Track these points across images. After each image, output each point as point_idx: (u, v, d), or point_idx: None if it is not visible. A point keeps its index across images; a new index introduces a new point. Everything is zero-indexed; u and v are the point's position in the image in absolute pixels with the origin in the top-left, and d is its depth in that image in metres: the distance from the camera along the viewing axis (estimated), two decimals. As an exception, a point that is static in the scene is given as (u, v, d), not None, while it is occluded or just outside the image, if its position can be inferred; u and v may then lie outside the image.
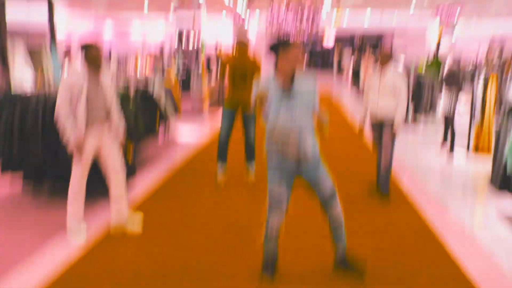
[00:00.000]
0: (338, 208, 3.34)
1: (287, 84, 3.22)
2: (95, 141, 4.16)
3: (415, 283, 3.34)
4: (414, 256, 3.75)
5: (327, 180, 3.30)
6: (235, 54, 5.77)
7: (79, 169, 4.13)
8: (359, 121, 5.52)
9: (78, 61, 9.30)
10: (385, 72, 5.10)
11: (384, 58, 5.08)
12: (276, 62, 3.23)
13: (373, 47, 20.65)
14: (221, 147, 5.98)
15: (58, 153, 4.86)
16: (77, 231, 4.19)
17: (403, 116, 5.07)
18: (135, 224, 4.41)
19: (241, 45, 5.69)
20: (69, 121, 3.99)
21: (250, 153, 6.07)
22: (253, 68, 5.75)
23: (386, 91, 5.05)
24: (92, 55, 4.05)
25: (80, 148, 4.03)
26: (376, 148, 5.35)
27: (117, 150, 4.32)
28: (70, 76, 4.03)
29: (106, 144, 4.24)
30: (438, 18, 20.08)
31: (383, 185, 5.20)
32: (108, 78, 4.27)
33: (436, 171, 6.44)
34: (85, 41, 4.12)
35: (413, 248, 3.90)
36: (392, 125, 5.10)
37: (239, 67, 5.70)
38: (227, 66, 5.78)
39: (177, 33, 14.66)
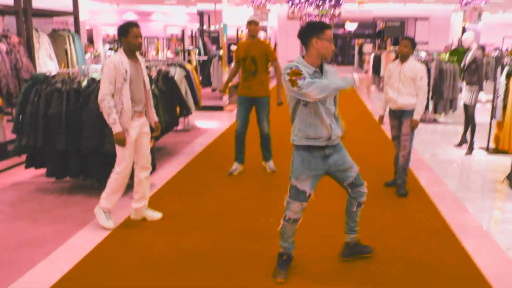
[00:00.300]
0: (365, 188, 3.49)
1: (317, 67, 3.19)
2: (135, 131, 4.12)
3: (428, 281, 3.37)
4: (429, 253, 3.77)
5: (351, 161, 3.38)
6: (246, 38, 5.80)
7: (126, 157, 4.10)
8: (379, 110, 5.50)
9: (104, 47, 9.37)
10: (406, 61, 5.06)
11: (405, 47, 5.04)
12: (308, 46, 3.19)
13: (394, 35, 20.34)
14: (238, 140, 5.84)
15: (81, 144, 4.92)
16: (109, 217, 4.25)
17: (424, 107, 5.06)
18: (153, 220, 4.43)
19: (252, 25, 5.55)
20: (115, 111, 3.93)
21: (265, 145, 5.93)
22: (265, 52, 5.65)
23: (407, 81, 5.02)
24: (133, 34, 3.97)
25: (125, 134, 4.00)
26: (394, 139, 5.35)
27: (149, 145, 4.32)
28: (113, 57, 3.97)
29: (141, 137, 4.22)
30: (462, 9, 19.74)
31: (400, 185, 5.19)
32: (144, 63, 4.24)
33: (455, 168, 6.41)
34: (126, 21, 4.08)
35: (428, 245, 3.92)
36: (412, 115, 5.08)
37: (250, 50, 5.61)
38: (239, 51, 5.72)
39: (198, 15, 14.66)
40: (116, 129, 3.96)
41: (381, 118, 5.47)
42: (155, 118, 4.43)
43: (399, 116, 5.17)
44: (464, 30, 19.74)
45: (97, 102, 4.05)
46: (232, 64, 14.04)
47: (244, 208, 4.79)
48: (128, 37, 3.98)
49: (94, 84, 5.08)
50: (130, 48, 4.03)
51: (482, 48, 7.28)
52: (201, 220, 4.47)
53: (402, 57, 5.09)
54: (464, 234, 4.14)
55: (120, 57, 3.96)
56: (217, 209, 4.76)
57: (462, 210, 4.78)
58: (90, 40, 20.66)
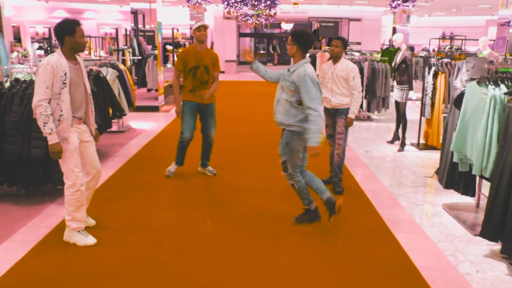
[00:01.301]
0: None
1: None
2: (76, 138, 3.78)
3: (366, 276, 3.43)
4: (366, 249, 3.84)
5: None
6: (192, 45, 5.57)
7: (73, 167, 3.73)
8: None
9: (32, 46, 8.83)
10: (338, 62, 5.16)
11: (336, 47, 5.13)
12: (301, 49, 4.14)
13: (329, 35, 20.82)
14: (182, 146, 5.66)
15: (4, 149, 4.58)
16: (86, 234, 3.92)
17: (358, 106, 5.17)
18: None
19: (201, 30, 5.33)
20: (52, 120, 3.56)
21: (207, 151, 5.82)
22: (216, 61, 5.57)
23: (340, 81, 5.11)
24: (80, 34, 3.66)
25: (61, 146, 3.65)
26: (329, 137, 5.41)
27: (94, 153, 4.04)
28: (50, 58, 3.59)
29: (84, 146, 3.90)
30: (392, 11, 20.56)
31: (336, 183, 5.29)
32: (84, 65, 3.90)
33: (388, 164, 6.60)
34: (66, 19, 3.71)
35: (365, 241, 3.99)
36: (346, 114, 5.17)
37: (202, 59, 5.42)
38: (189, 59, 5.41)
39: (131, 14, 14.26)
40: (52, 140, 3.58)
41: None
42: (95, 125, 4.10)
43: (333, 115, 5.27)
44: (394, 31, 20.56)
45: (20, 105, 3.77)
46: (170, 69, 13.85)
47: (181, 212, 4.67)
48: (74, 36, 3.63)
49: (18, 85, 4.77)
50: (75, 48, 3.70)
51: (411, 48, 7.57)
52: (136, 228, 4.29)
53: (334, 57, 5.19)
54: (398, 229, 4.26)
55: (58, 59, 3.59)
56: (152, 214, 4.61)
57: (396, 206, 4.92)
58: (17, 39, 19.59)
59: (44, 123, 3.55)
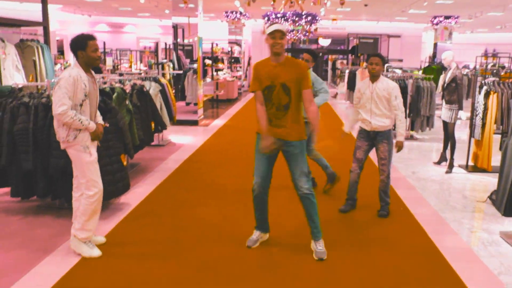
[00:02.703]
0: None
1: None
2: (95, 150, 3.89)
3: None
4: (422, 280, 3.61)
5: None
6: (267, 58, 3.96)
7: (95, 177, 3.80)
8: (345, 126, 5.25)
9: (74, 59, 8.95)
10: (377, 80, 4.82)
11: (376, 64, 4.76)
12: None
13: (368, 51, 20.57)
14: (257, 201, 4.10)
15: (48, 163, 4.58)
16: (92, 246, 3.91)
17: (405, 126, 4.89)
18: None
19: (277, 36, 3.76)
20: (78, 114, 3.63)
21: (308, 212, 4.03)
22: (302, 76, 3.84)
23: (381, 101, 4.79)
24: (92, 48, 3.70)
25: (88, 150, 3.76)
26: (356, 161, 5.04)
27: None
28: (71, 70, 3.66)
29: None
30: (433, 28, 20.17)
31: (383, 207, 5.02)
32: (96, 77, 3.98)
33: (435, 186, 6.31)
34: (81, 33, 3.76)
35: (419, 270, 3.76)
36: (387, 137, 4.89)
37: (278, 74, 3.82)
38: (261, 76, 3.89)
39: (172, 27, 14.44)
40: (92, 127, 3.73)
41: (344, 133, 5.18)
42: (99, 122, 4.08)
43: (373, 138, 4.93)
44: (435, 48, 20.15)
45: None
46: (209, 83, 13.89)
47: (224, 230, 4.53)
48: (86, 50, 3.69)
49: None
50: (89, 63, 3.75)
51: (460, 68, 7.30)
52: (179, 244, 4.19)
53: (373, 76, 4.83)
54: (455, 258, 4.00)
55: (78, 72, 3.67)
56: (195, 232, 4.49)
57: (448, 231, 4.65)
58: (61, 51, 20.15)
59: (79, 120, 3.64)
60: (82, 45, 3.68)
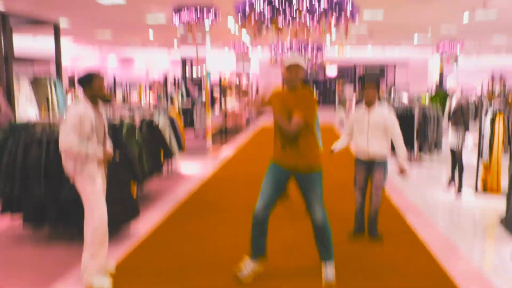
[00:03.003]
0: None
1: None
2: (100, 180, 3.98)
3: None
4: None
5: None
6: (283, 87, 4.03)
7: (100, 205, 3.89)
8: (334, 146, 5.20)
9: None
10: (373, 107, 4.84)
11: (372, 90, 4.77)
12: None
13: (376, 78, 20.78)
14: (256, 227, 3.97)
15: (60, 192, 4.69)
16: (102, 276, 3.94)
17: (405, 153, 4.87)
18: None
19: (292, 71, 3.82)
20: (85, 146, 3.75)
21: (320, 240, 4.02)
22: (299, 101, 3.85)
23: (377, 128, 4.80)
24: (97, 85, 3.84)
25: (94, 182, 3.84)
26: (359, 190, 5.06)
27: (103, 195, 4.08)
28: (77, 107, 3.79)
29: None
30: (438, 54, 20.36)
31: (372, 228, 5.02)
32: (103, 110, 4.10)
33: (444, 210, 6.30)
34: (88, 71, 3.91)
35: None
36: (383, 165, 4.90)
37: (288, 104, 3.86)
38: (275, 104, 3.97)
39: (181, 61, 14.77)
40: (99, 153, 3.83)
41: (331, 152, 5.17)
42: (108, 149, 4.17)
43: (369, 167, 4.94)
44: (442, 74, 20.28)
45: None
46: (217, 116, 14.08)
47: (235, 261, 4.54)
48: (92, 87, 3.83)
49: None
50: (95, 99, 3.87)
51: (466, 94, 7.42)
52: (189, 275, 4.21)
53: (369, 102, 4.83)
54: (466, 283, 3.98)
55: (85, 108, 3.79)
56: (204, 263, 4.51)
57: (458, 256, 4.63)
58: (72, 83, 20.55)
59: (84, 151, 3.73)
60: (88, 81, 3.82)
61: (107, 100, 3.97)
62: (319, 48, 15.04)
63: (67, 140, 3.70)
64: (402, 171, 4.88)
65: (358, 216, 5.15)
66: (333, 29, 7.44)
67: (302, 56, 15.13)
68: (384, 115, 4.79)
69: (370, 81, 4.84)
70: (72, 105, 3.88)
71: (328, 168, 8.61)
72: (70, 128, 3.71)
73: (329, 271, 3.99)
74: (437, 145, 9.35)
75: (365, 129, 4.84)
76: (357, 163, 5.03)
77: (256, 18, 7.22)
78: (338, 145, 5.21)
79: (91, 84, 3.82)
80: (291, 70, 3.80)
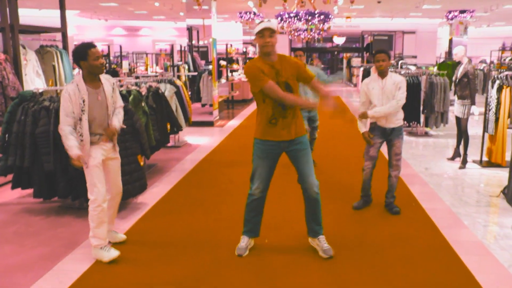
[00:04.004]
0: None
1: None
2: (99, 154, 3.87)
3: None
4: (430, 272, 3.68)
5: None
6: (258, 57, 3.82)
7: (96, 182, 3.82)
8: (361, 128, 5.03)
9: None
10: (386, 76, 4.82)
11: (383, 61, 4.72)
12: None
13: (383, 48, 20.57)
14: (252, 206, 4.00)
15: (69, 164, 4.76)
16: (108, 249, 3.95)
17: (388, 113, 4.79)
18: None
19: (266, 35, 3.62)
20: (72, 138, 3.67)
21: (312, 211, 3.97)
22: (297, 70, 3.76)
23: (392, 96, 4.80)
24: (91, 58, 3.65)
25: (79, 160, 3.73)
26: (370, 159, 5.04)
27: (118, 171, 4.09)
28: (68, 86, 3.72)
29: (108, 163, 3.98)
30: (448, 23, 20.01)
31: (392, 203, 5.08)
32: (109, 85, 3.90)
33: (449, 182, 6.35)
34: (80, 44, 3.71)
35: (429, 263, 3.82)
36: (401, 132, 4.93)
37: (278, 73, 3.69)
38: (254, 74, 3.69)
39: (187, 30, 14.63)
40: (73, 153, 3.66)
41: (367, 134, 4.98)
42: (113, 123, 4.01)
43: (388, 134, 4.94)
44: (451, 43, 19.99)
45: None
46: (224, 84, 14.03)
47: (240, 229, 4.64)
48: (88, 60, 3.64)
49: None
50: (92, 72, 3.71)
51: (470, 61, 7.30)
52: (196, 243, 4.32)
53: (382, 72, 4.81)
54: (464, 251, 4.06)
55: (76, 86, 3.67)
56: (212, 231, 4.62)
57: (460, 226, 4.70)
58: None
59: (64, 141, 3.70)
60: (83, 55, 3.65)
61: (104, 72, 3.83)
62: (326, 16, 14.82)
63: (60, 129, 3.71)
64: (361, 115, 4.89)
65: (366, 188, 5.19)
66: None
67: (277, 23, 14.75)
68: (397, 81, 4.79)
69: (379, 52, 4.79)
70: (66, 85, 3.82)
71: (335, 141, 8.65)
72: (62, 113, 3.67)
73: (325, 245, 3.96)
74: (443, 118, 9.29)
75: (380, 98, 4.84)
76: (374, 131, 4.98)
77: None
78: (362, 127, 5.02)
79: (86, 56, 3.65)
80: (264, 34, 3.62)
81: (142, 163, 5.63)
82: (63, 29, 7.71)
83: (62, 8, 7.76)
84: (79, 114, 3.69)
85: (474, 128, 9.16)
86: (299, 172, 3.89)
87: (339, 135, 9.55)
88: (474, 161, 7.26)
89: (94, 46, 3.73)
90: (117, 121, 4.00)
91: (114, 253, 3.91)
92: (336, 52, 31.08)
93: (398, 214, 4.99)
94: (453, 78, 7.25)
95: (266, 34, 3.62)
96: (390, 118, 4.88)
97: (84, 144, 3.75)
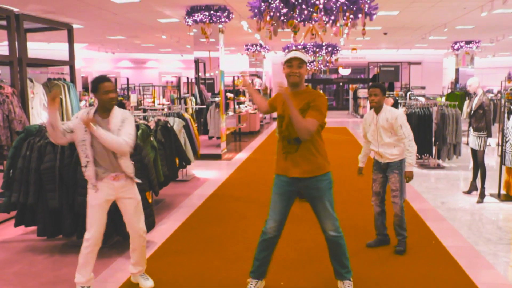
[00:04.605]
0: None
1: None
2: (106, 193, 3.74)
3: None
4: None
5: None
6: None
7: (93, 220, 3.74)
8: (359, 161, 5.07)
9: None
10: (381, 111, 4.68)
11: (375, 95, 4.61)
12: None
13: (389, 79, 20.52)
14: (263, 245, 3.71)
15: (74, 201, 4.61)
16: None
17: (414, 155, 4.64)
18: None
19: (293, 65, 3.47)
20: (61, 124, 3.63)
21: (335, 254, 3.75)
22: (308, 101, 3.47)
23: (386, 131, 4.64)
24: (102, 91, 3.62)
25: (96, 188, 3.71)
26: (375, 195, 4.91)
27: (135, 212, 3.87)
28: (78, 113, 3.72)
29: (122, 202, 3.83)
30: (454, 54, 20.05)
31: (400, 241, 4.81)
32: (118, 120, 3.74)
33: (466, 216, 6.11)
34: (97, 76, 3.74)
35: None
36: (398, 168, 4.71)
37: (296, 106, 3.41)
38: (275, 99, 3.72)
39: (194, 62, 14.67)
40: (50, 118, 3.58)
41: (360, 169, 5.04)
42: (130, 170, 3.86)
43: (384, 170, 4.79)
44: (457, 73, 19.97)
45: None
46: (231, 116, 13.93)
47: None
48: (98, 93, 3.64)
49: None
50: (102, 105, 3.68)
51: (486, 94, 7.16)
52: (206, 285, 4.10)
53: (375, 108, 4.70)
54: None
55: (87, 112, 3.68)
56: (222, 270, 4.40)
57: (487, 266, 4.45)
58: (85, 88, 20.63)
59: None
60: (94, 88, 3.66)
61: (114, 104, 3.73)
62: (334, 48, 14.84)
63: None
64: (407, 176, 4.66)
65: (378, 225, 4.98)
66: (348, 27, 7.25)
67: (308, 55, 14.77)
68: (392, 117, 4.60)
69: (373, 87, 4.68)
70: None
71: (345, 174, 8.45)
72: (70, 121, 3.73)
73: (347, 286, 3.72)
74: (456, 150, 9.09)
75: (374, 133, 4.75)
76: (374, 166, 4.92)
77: (272, 15, 7.07)
78: (361, 158, 5.07)
79: (97, 90, 3.65)
80: (293, 64, 3.45)
81: (150, 200, 5.45)
82: (71, 62, 7.67)
83: (71, 41, 7.74)
84: (80, 140, 3.65)
85: (491, 160, 8.93)
86: (314, 211, 3.68)
87: (351, 171, 9.37)
88: (491, 195, 7.03)
89: (106, 80, 3.69)
90: (104, 132, 3.62)
91: None
92: (340, 83, 31.16)
93: (400, 254, 4.73)
94: (467, 110, 7.11)
95: (295, 64, 3.45)
96: (384, 153, 4.70)
97: (89, 167, 3.68)
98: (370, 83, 4.88)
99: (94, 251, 3.75)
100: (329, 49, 14.40)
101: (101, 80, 3.67)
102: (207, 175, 8.82)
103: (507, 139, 6.69)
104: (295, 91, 3.53)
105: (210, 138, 12.40)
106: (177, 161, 6.61)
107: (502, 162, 6.83)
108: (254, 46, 19.97)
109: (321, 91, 26.51)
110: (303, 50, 14.72)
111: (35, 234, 4.91)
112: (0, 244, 5.15)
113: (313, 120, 3.36)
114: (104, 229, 3.79)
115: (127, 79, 17.16)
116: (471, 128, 6.91)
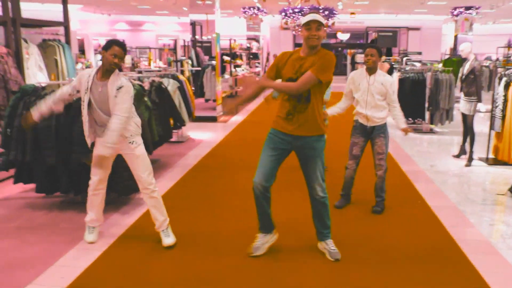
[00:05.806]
0: None
1: None
2: (100, 148, 3.91)
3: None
4: (437, 272, 3.62)
5: None
6: (297, 49, 3.65)
7: (94, 168, 4.08)
8: (330, 111, 4.91)
9: (95, 57, 9.06)
10: (375, 73, 4.68)
11: (372, 56, 4.60)
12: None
13: (387, 45, 20.42)
14: (259, 201, 3.75)
15: (70, 158, 4.73)
16: (91, 231, 4.19)
17: (403, 115, 4.81)
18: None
19: (312, 28, 3.43)
20: (46, 102, 3.99)
21: (318, 214, 3.86)
22: (316, 62, 3.48)
23: (377, 95, 4.66)
24: (112, 53, 3.71)
25: (30, 118, 3.97)
26: (353, 158, 4.95)
27: (141, 167, 4.02)
28: (84, 71, 3.94)
29: (126, 156, 4.03)
30: (453, 20, 19.87)
31: (378, 202, 4.95)
32: (115, 86, 3.78)
33: (455, 179, 6.28)
34: (114, 39, 3.89)
35: (435, 263, 3.76)
36: (383, 131, 4.79)
37: (303, 65, 3.50)
38: (280, 61, 3.63)
39: (190, 24, 14.56)
40: (41, 107, 3.99)
41: (326, 116, 4.77)
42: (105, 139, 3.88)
43: (369, 133, 4.82)
44: (456, 40, 19.85)
45: None
46: (227, 79, 13.96)
47: (246, 226, 4.58)
48: (107, 52, 3.73)
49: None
50: (104, 63, 3.78)
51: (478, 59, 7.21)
52: (200, 239, 4.28)
53: (369, 69, 4.66)
54: (471, 250, 3.99)
55: (89, 72, 3.85)
56: (215, 228, 4.57)
57: (467, 225, 4.64)
58: (82, 51, 20.49)
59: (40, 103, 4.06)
60: (107, 46, 3.77)
61: (115, 68, 3.81)
62: (331, 12, 14.71)
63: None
64: (405, 130, 4.78)
65: (348, 186, 5.07)
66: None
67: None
68: (386, 82, 4.66)
69: (370, 46, 4.70)
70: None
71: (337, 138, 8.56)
72: (71, 83, 3.98)
73: (332, 249, 3.84)
74: (449, 115, 9.21)
75: (364, 93, 4.71)
76: (356, 129, 4.90)
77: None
78: (334, 109, 4.95)
79: (108, 49, 3.75)
80: (311, 26, 3.42)
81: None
82: (65, 23, 7.65)
83: (65, 2, 7.70)
84: (83, 96, 3.84)
85: (480, 126, 9.06)
86: (304, 171, 3.75)
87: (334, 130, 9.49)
88: (480, 159, 7.18)
89: (120, 46, 3.79)
90: (109, 135, 3.77)
91: (90, 237, 4.15)
92: (339, 48, 30.93)
93: (377, 213, 4.86)
94: (459, 75, 7.18)
95: (313, 26, 3.43)
96: (372, 116, 4.75)
97: (84, 124, 3.94)
98: (367, 45, 4.92)
99: (93, 195, 4.13)
100: (326, 12, 14.28)
101: (116, 43, 3.79)
102: (203, 137, 8.95)
103: (496, 105, 6.80)
104: (312, 53, 3.53)
105: (207, 101, 12.47)
106: (171, 121, 6.70)
107: (491, 127, 6.96)
108: (252, 9, 19.75)
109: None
110: (320, 12, 14.57)
111: (34, 192, 5.07)
112: (0, 201, 5.31)
113: (306, 75, 3.42)
114: (107, 175, 4.15)
115: (123, 41, 17.02)
116: (462, 93, 7.01)
